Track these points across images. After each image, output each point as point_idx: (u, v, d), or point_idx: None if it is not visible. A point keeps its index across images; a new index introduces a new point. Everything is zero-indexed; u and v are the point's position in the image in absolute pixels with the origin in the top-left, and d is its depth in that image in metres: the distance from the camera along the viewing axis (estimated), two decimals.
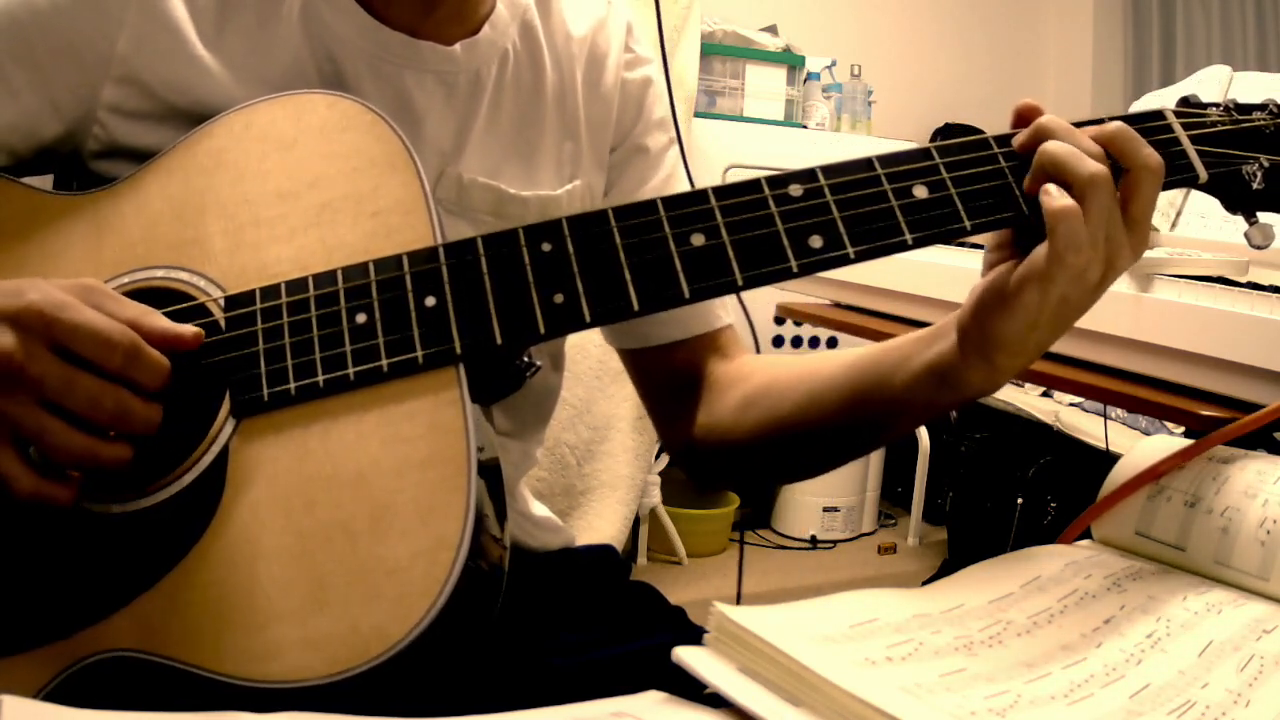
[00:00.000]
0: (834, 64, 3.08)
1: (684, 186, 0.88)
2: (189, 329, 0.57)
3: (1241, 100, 0.66)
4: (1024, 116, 0.61)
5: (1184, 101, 0.65)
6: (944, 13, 3.57)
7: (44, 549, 0.55)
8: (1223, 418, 0.89)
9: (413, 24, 0.73)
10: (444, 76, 0.74)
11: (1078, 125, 0.60)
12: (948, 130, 3.24)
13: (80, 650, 0.52)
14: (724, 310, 0.86)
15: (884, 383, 0.67)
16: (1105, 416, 2.28)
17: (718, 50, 2.81)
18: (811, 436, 0.74)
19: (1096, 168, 0.56)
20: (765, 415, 0.76)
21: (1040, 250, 0.56)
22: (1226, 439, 0.63)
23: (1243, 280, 0.97)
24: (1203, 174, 0.62)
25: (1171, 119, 0.63)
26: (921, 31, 3.54)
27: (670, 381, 0.85)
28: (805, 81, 2.96)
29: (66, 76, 0.67)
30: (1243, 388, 0.91)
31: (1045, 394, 2.58)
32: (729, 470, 0.86)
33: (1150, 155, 0.58)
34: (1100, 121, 0.61)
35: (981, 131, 0.61)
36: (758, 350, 1.01)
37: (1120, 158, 0.58)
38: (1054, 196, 0.56)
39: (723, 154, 2.51)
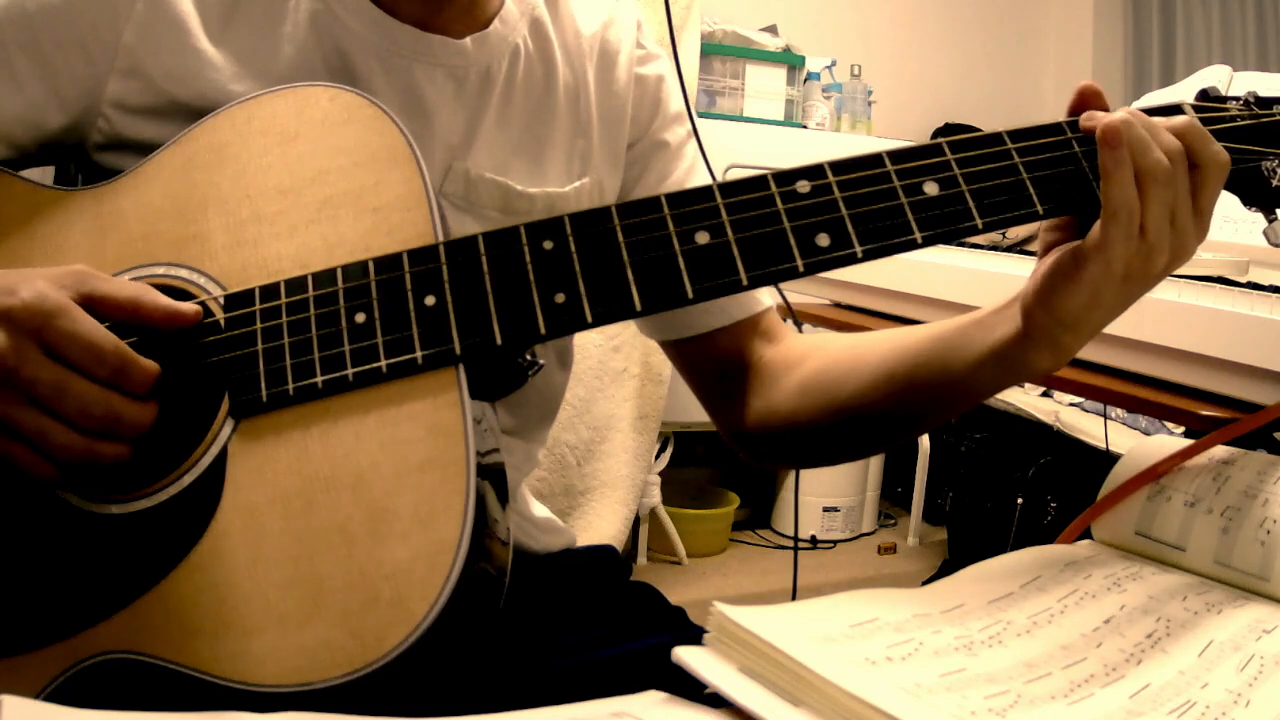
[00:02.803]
0: (834, 64, 3.08)
1: (705, 176, 0.88)
2: (189, 306, 0.57)
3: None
4: (1085, 99, 0.61)
5: (1203, 95, 0.65)
6: (944, 13, 3.57)
7: (44, 550, 0.55)
8: (1223, 418, 0.89)
9: (423, 18, 0.73)
10: (454, 71, 0.74)
11: None
12: (947, 130, 3.24)
13: (81, 651, 0.52)
14: (763, 292, 0.85)
15: (946, 367, 0.67)
16: (1105, 416, 2.28)
17: (718, 50, 2.81)
18: (873, 419, 0.74)
19: (1160, 158, 0.56)
20: (824, 401, 0.76)
21: (1098, 223, 0.57)
22: (1226, 439, 0.63)
23: (1243, 280, 0.97)
24: None
25: (1190, 113, 0.63)
26: (921, 31, 3.54)
27: (717, 369, 0.84)
28: (805, 81, 2.96)
29: (72, 68, 0.67)
30: (1243, 388, 0.91)
31: (1045, 394, 2.58)
32: (791, 454, 0.87)
33: (1219, 151, 0.58)
34: None
35: (980, 131, 0.61)
36: (798, 326, 1.01)
37: (1191, 153, 0.58)
38: (1113, 175, 0.56)
39: (723, 154, 2.50)
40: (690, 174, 0.87)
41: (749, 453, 0.85)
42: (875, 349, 0.73)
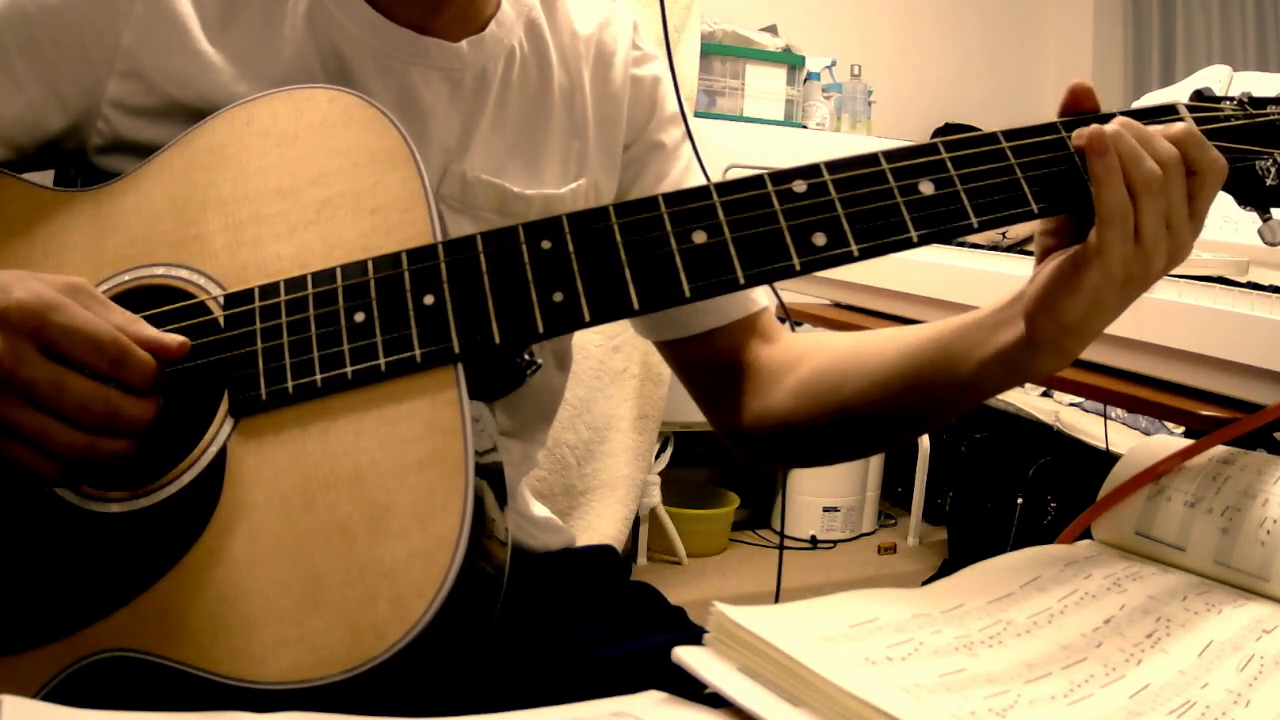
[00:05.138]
0: (834, 64, 3.08)
1: (700, 177, 0.88)
2: (174, 339, 0.57)
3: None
4: (1077, 98, 0.62)
5: (1197, 95, 0.65)
6: (944, 13, 3.57)
7: (44, 549, 0.55)
8: (1223, 418, 0.89)
9: (419, 21, 0.73)
10: (450, 74, 0.74)
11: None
12: (947, 130, 3.24)
13: (80, 650, 0.52)
14: (759, 292, 0.85)
15: (949, 370, 0.67)
16: (1105, 416, 2.28)
17: (718, 50, 2.81)
18: (873, 420, 0.75)
19: (1153, 167, 0.57)
20: (824, 402, 0.76)
21: (1094, 229, 0.58)
22: (1226, 439, 0.63)
23: (1243, 280, 0.98)
24: None
25: (1184, 113, 0.63)
26: (921, 31, 3.54)
27: (713, 369, 0.84)
28: (805, 81, 2.96)
29: (72, 70, 0.67)
30: (1243, 388, 0.91)
31: (1045, 394, 2.57)
32: (787, 454, 0.87)
33: (1217, 158, 0.59)
34: (1112, 117, 0.61)
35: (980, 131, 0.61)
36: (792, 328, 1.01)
37: (1189, 160, 0.59)
38: (1104, 180, 0.57)
39: (722, 154, 2.50)
40: (686, 174, 0.87)
41: (744, 452, 0.86)
42: (877, 350, 0.73)
